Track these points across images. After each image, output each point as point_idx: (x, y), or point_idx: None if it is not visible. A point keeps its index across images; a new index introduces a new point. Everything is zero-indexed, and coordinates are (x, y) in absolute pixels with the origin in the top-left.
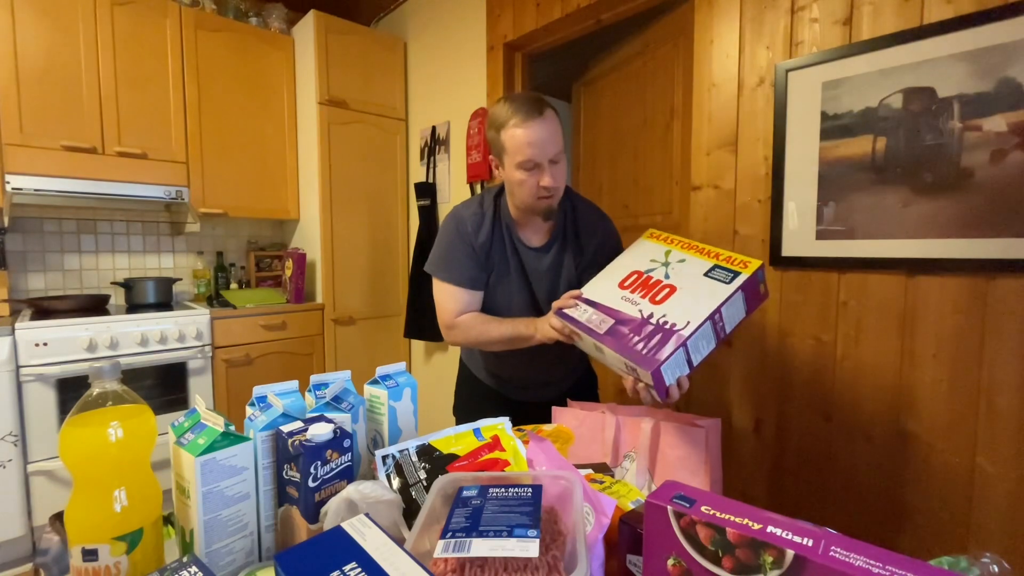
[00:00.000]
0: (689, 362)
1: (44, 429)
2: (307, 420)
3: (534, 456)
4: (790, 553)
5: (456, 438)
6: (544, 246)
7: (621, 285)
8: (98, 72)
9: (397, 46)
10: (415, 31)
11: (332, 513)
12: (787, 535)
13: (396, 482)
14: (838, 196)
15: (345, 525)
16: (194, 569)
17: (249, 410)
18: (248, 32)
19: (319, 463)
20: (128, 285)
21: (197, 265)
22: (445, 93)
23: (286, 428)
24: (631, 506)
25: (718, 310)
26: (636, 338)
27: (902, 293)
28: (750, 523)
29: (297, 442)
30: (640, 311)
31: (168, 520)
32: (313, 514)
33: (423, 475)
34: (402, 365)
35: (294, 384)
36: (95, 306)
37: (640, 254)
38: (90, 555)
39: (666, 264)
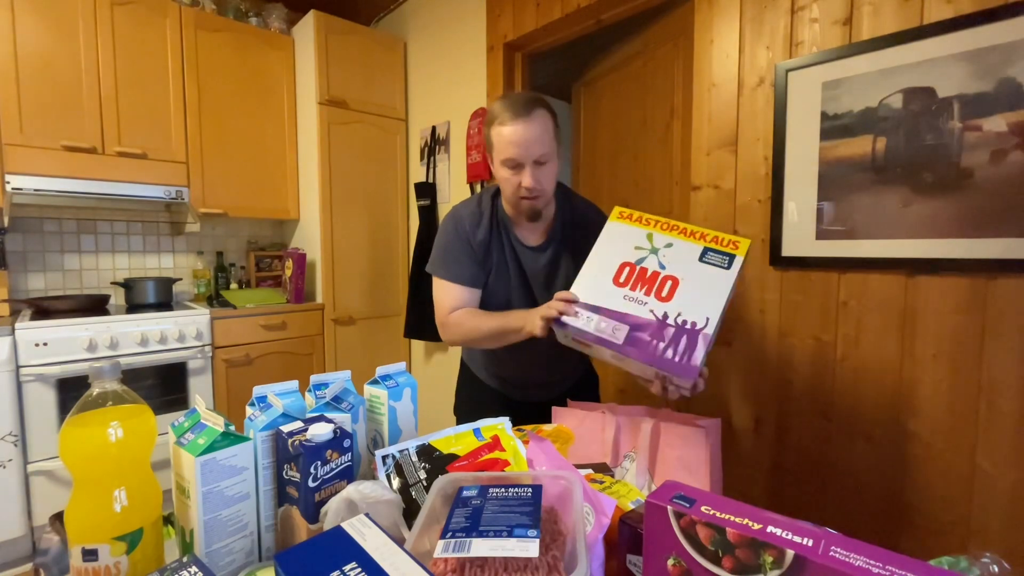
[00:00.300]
0: (706, 353)
1: (44, 429)
2: (307, 420)
3: (534, 456)
4: (790, 553)
5: (456, 438)
6: (541, 245)
7: (616, 282)
8: (98, 72)
9: (397, 46)
10: (415, 31)
11: (332, 513)
12: (787, 535)
13: (396, 482)
14: (838, 196)
15: (345, 525)
16: (194, 569)
17: (249, 410)
18: (248, 32)
19: (319, 463)
20: (128, 285)
21: (197, 265)
22: (445, 93)
23: (286, 428)
24: (631, 506)
25: (729, 302)
26: (661, 344)
27: (902, 293)
28: (750, 523)
29: (297, 442)
30: (652, 311)
31: (168, 520)
32: (313, 514)
33: (423, 475)
34: (402, 365)
35: (294, 384)
36: (95, 306)
37: (621, 240)
38: (90, 555)
39: (654, 251)
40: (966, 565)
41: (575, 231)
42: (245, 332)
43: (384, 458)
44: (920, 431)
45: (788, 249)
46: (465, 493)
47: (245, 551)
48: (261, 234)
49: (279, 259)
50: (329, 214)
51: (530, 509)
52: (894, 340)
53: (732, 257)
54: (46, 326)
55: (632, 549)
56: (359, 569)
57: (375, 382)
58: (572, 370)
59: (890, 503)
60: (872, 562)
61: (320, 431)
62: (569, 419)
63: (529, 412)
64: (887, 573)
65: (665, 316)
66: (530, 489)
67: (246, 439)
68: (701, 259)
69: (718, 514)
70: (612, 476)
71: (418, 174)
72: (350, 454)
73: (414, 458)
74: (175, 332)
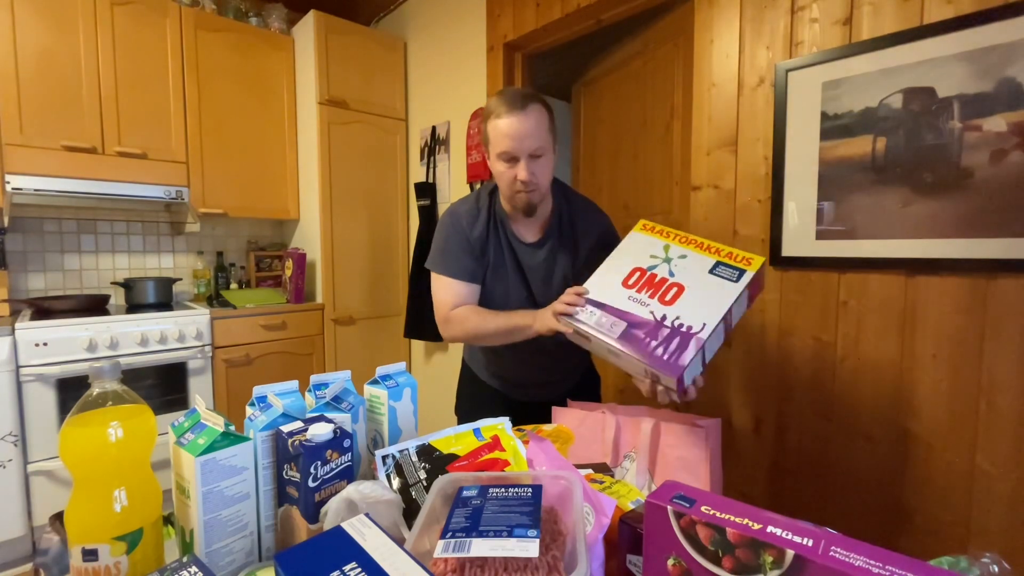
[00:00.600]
0: (703, 361)
1: (44, 429)
2: (307, 420)
3: (534, 456)
4: (790, 553)
5: (456, 438)
6: (538, 241)
7: (625, 284)
8: (98, 72)
9: (397, 46)
10: (415, 31)
11: (332, 513)
12: (787, 535)
13: (396, 482)
14: (838, 196)
15: (345, 525)
16: (194, 569)
17: (249, 410)
18: (248, 32)
19: (319, 463)
20: (128, 285)
21: (197, 265)
22: (445, 93)
23: (286, 428)
24: (631, 506)
25: (729, 311)
26: (654, 342)
27: (902, 293)
28: (750, 523)
29: (297, 442)
30: (652, 312)
31: (168, 520)
32: (313, 514)
33: (423, 475)
34: (402, 365)
35: (294, 384)
36: (95, 306)
37: (638, 248)
38: (90, 555)
39: (667, 260)
40: (966, 565)
41: (572, 227)
42: (245, 332)
43: (384, 458)
44: (920, 431)
45: (788, 249)
46: (465, 493)
47: (245, 551)
48: (261, 234)
49: (279, 259)
50: (329, 214)
51: (530, 509)
52: (894, 340)
53: (742, 272)
54: (46, 326)
55: (632, 549)
56: (359, 569)
57: (375, 382)
58: (573, 370)
59: (890, 503)
60: (872, 562)
61: (320, 431)
62: (569, 419)
63: (530, 412)
64: (887, 573)
65: (664, 318)
66: (530, 489)
67: (246, 439)
68: (711, 271)
69: (718, 514)
70: (612, 476)
71: (418, 174)
72: (350, 454)
73: (414, 458)
74: (175, 332)
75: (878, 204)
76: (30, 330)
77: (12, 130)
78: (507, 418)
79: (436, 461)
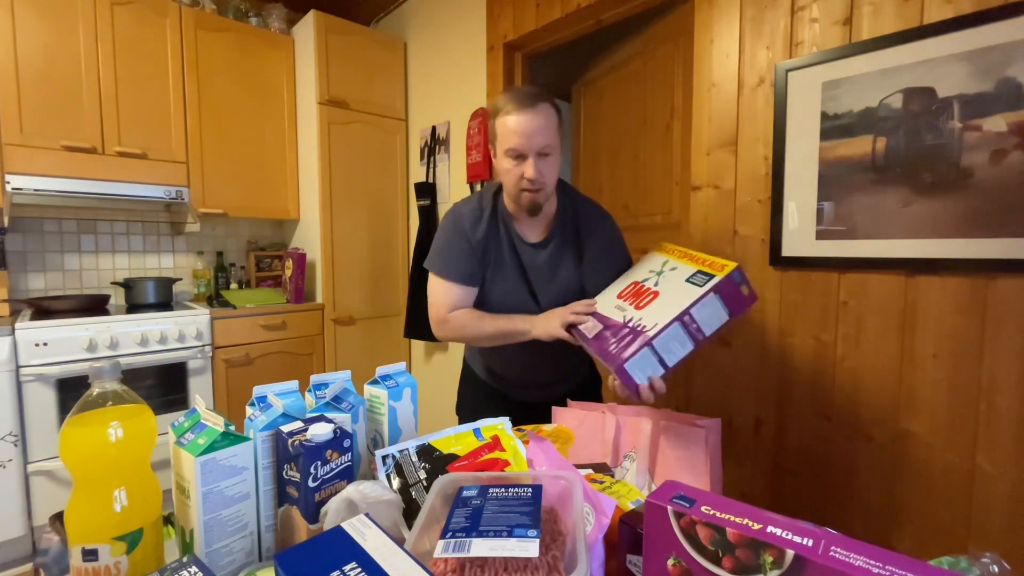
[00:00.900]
0: (663, 363)
1: (44, 429)
2: (307, 420)
3: (534, 456)
4: (790, 553)
5: (456, 438)
6: (542, 241)
7: (619, 295)
8: (98, 72)
9: (397, 46)
10: (415, 31)
11: (332, 513)
12: (787, 535)
13: (396, 482)
14: (838, 196)
15: (345, 525)
16: (194, 569)
17: (249, 410)
18: (248, 32)
19: (319, 463)
20: (128, 285)
21: (197, 265)
22: (445, 93)
23: (286, 428)
24: (631, 506)
25: (687, 312)
26: (612, 340)
27: (902, 293)
28: (750, 523)
29: (297, 442)
30: (624, 316)
31: (168, 520)
32: (313, 514)
33: (423, 475)
34: (402, 365)
35: (294, 384)
36: (95, 306)
37: (644, 266)
38: (90, 555)
39: (660, 273)
40: (966, 565)
41: (576, 228)
42: (245, 332)
43: (384, 458)
44: (920, 431)
45: (788, 249)
46: (465, 493)
47: (245, 551)
48: (261, 234)
49: (279, 259)
50: (329, 214)
51: (530, 509)
52: (894, 340)
53: (711, 277)
54: (46, 326)
55: (632, 549)
56: (359, 569)
57: (375, 382)
58: (574, 371)
59: (890, 503)
60: (872, 562)
61: (320, 431)
62: (569, 419)
63: (530, 412)
64: (887, 573)
65: (629, 320)
66: (530, 489)
67: (246, 439)
68: (688, 279)
69: (718, 514)
70: (612, 476)
71: (418, 174)
72: (350, 454)
73: (414, 458)
74: (175, 332)
75: (878, 204)
76: (30, 330)
77: (12, 130)
78: (507, 418)
79: (436, 461)
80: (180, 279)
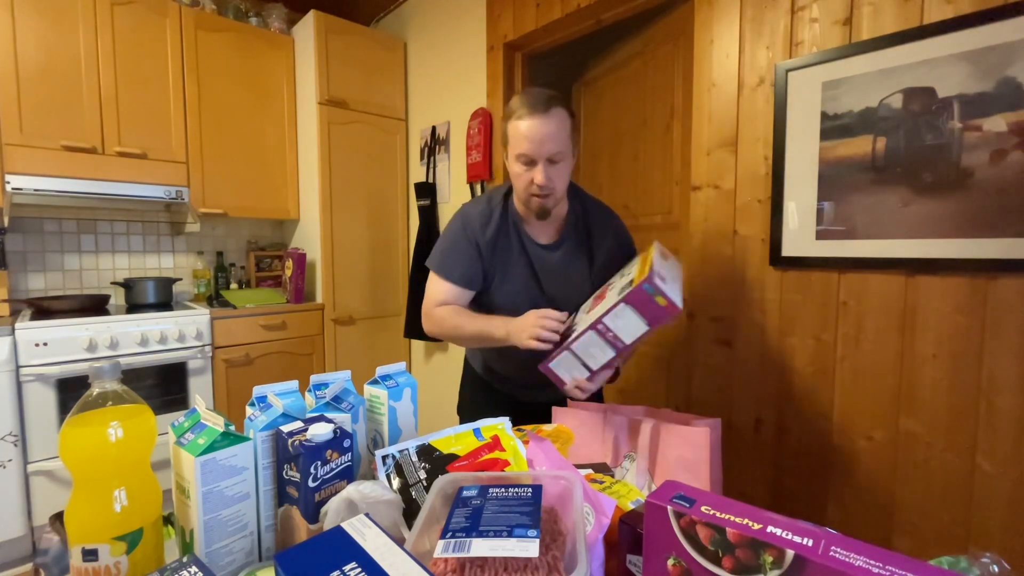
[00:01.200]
0: (586, 366)
1: (44, 429)
2: (307, 420)
3: (534, 456)
4: (790, 553)
5: (456, 438)
6: (553, 244)
7: (595, 297)
8: (98, 72)
9: (397, 46)
10: (415, 31)
11: (332, 513)
12: (787, 535)
13: (396, 482)
14: (838, 196)
15: (345, 525)
16: (194, 569)
17: (249, 410)
18: (248, 32)
19: (319, 463)
20: (128, 285)
21: (197, 265)
22: (445, 93)
23: (286, 428)
24: (631, 506)
25: (600, 321)
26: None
27: (902, 293)
28: (750, 523)
29: (297, 442)
30: (575, 319)
31: (168, 520)
32: (313, 514)
33: (423, 475)
34: (402, 365)
35: (294, 384)
36: (95, 306)
37: (623, 268)
38: (90, 555)
39: (623, 276)
40: (966, 565)
41: (588, 230)
42: (245, 332)
43: (384, 458)
44: (920, 431)
45: (788, 249)
46: (465, 493)
47: (245, 551)
48: (261, 234)
49: (279, 259)
50: (329, 214)
51: (530, 509)
52: (894, 340)
53: (628, 284)
54: (46, 326)
55: (632, 549)
56: (359, 569)
57: (375, 382)
58: None
59: (890, 503)
60: (872, 562)
61: (320, 431)
62: (569, 419)
63: (530, 412)
64: (887, 573)
65: (575, 324)
66: (530, 489)
67: (246, 439)
68: (622, 288)
69: (718, 514)
70: (612, 476)
71: (418, 174)
72: (350, 454)
73: (414, 458)
74: (175, 332)
75: (878, 204)
76: (30, 330)
77: (12, 130)
78: (507, 418)
79: (436, 461)
80: (180, 279)
